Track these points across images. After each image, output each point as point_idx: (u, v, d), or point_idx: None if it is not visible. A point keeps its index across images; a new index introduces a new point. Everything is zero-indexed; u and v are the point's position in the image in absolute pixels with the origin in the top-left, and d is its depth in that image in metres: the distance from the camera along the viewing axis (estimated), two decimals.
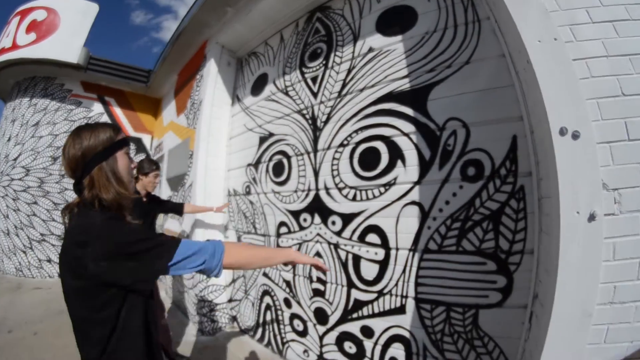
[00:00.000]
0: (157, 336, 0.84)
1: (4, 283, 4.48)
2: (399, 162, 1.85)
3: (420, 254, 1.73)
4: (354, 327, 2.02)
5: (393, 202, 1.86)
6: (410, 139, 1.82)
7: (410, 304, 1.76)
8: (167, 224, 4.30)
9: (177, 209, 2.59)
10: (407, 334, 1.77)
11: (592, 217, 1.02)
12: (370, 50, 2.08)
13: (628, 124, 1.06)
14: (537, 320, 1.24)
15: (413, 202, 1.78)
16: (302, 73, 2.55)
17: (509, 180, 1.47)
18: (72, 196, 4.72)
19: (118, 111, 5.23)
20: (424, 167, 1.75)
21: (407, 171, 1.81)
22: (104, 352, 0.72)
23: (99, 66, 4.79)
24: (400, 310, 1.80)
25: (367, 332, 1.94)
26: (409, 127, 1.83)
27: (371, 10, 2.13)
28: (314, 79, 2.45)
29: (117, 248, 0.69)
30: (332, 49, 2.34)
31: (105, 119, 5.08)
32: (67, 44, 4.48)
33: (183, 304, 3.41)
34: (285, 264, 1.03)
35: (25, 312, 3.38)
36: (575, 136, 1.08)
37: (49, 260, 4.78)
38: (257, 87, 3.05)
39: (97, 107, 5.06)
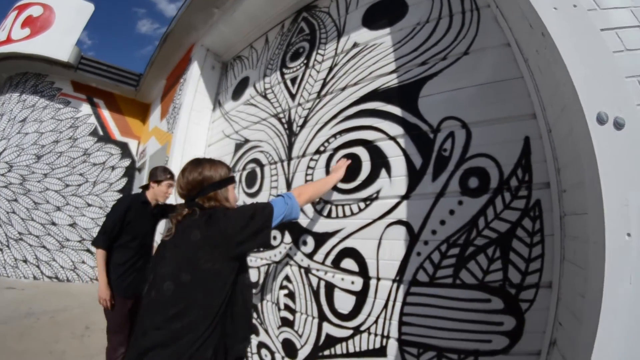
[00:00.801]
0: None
1: None
2: (383, 172, 1.50)
3: (407, 286, 1.33)
4: None
5: (374, 220, 1.49)
6: (398, 143, 1.48)
7: (393, 346, 1.33)
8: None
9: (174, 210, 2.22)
10: None
11: None
12: (355, 45, 1.82)
13: None
14: None
15: (399, 222, 1.40)
16: (282, 74, 2.28)
17: (521, 194, 1.11)
18: (52, 197, 4.43)
19: (106, 114, 5.00)
20: (414, 177, 1.39)
21: (393, 183, 1.46)
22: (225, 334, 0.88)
23: (89, 66, 4.64)
24: (380, 352, 1.37)
25: None
26: (396, 130, 1.50)
27: (358, 5, 1.90)
28: (293, 80, 2.17)
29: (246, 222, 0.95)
30: (315, 47, 2.08)
31: (92, 120, 4.85)
32: (59, 42, 4.39)
33: None
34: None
35: None
36: (619, 125, 0.74)
37: (25, 261, 4.35)
38: (238, 91, 2.78)
39: (85, 108, 4.85)
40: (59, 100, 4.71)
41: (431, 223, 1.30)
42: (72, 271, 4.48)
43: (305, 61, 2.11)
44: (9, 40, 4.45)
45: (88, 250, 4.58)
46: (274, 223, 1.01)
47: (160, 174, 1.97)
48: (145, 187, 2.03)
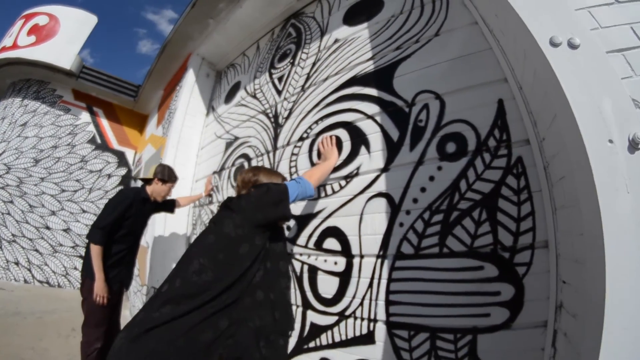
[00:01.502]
0: None
1: None
2: (362, 149, 1.39)
3: (391, 260, 1.16)
4: None
5: (355, 196, 1.35)
6: (375, 120, 1.38)
7: (381, 330, 1.14)
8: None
9: (169, 206, 2.07)
10: None
11: (634, 144, 0.57)
12: (336, 41, 1.78)
13: (636, 29, 0.67)
14: (569, 341, 0.67)
15: (379, 194, 1.27)
16: (271, 74, 2.23)
17: (501, 153, 1.00)
18: (48, 201, 4.17)
19: (105, 122, 4.82)
20: (392, 150, 1.28)
21: (372, 157, 1.34)
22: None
23: (90, 76, 4.53)
24: (368, 338, 1.16)
25: None
26: (373, 109, 1.41)
27: (340, 7, 1.89)
28: (280, 78, 2.12)
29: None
30: (300, 47, 2.06)
31: (91, 128, 4.67)
32: (62, 50, 4.28)
33: None
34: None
35: None
36: (573, 45, 0.67)
37: (17, 263, 3.96)
38: (230, 95, 2.73)
39: (85, 116, 4.67)
40: (60, 107, 4.55)
41: (412, 192, 1.17)
42: (63, 277, 4.11)
43: (291, 60, 2.07)
44: (14, 46, 4.34)
45: (81, 256, 4.24)
46: (292, 198, 1.02)
47: (167, 175, 1.85)
48: (147, 182, 1.86)
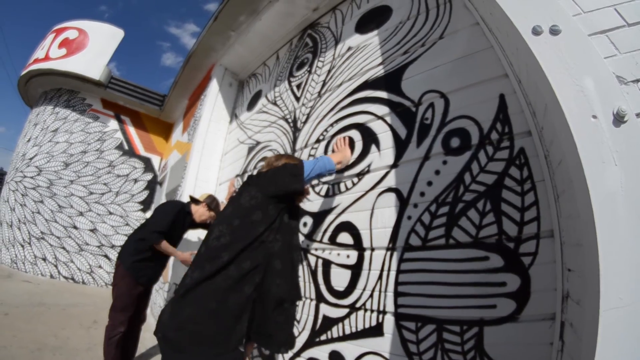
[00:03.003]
0: None
1: None
2: (373, 147, 1.51)
3: (400, 252, 1.24)
4: (321, 353, 1.42)
5: (367, 192, 1.45)
6: (385, 120, 1.50)
7: (389, 322, 1.20)
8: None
9: (205, 227, 2.33)
10: None
11: (619, 118, 0.62)
12: (349, 49, 1.95)
13: (620, 10, 0.73)
14: (575, 332, 0.71)
15: (389, 189, 1.36)
16: (290, 82, 2.43)
17: (503, 145, 1.08)
18: (76, 202, 4.58)
19: (132, 130, 5.22)
20: (400, 147, 1.39)
21: (382, 155, 1.45)
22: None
23: (118, 86, 4.92)
24: (377, 330, 1.23)
25: None
26: (383, 110, 1.53)
27: (352, 17, 2.07)
28: (298, 86, 2.31)
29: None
30: (317, 56, 2.24)
31: (118, 135, 5.10)
32: (92, 62, 4.67)
33: None
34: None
35: (5, 296, 3.09)
36: (555, 32, 0.75)
37: (44, 259, 4.32)
38: (252, 103, 2.96)
39: (113, 124, 5.08)
40: (89, 115, 4.94)
41: (419, 186, 1.26)
42: (88, 274, 4.43)
43: (308, 69, 2.26)
44: (47, 58, 4.77)
45: (106, 256, 4.56)
46: (306, 173, 1.10)
47: (214, 205, 2.16)
48: (195, 202, 2.16)
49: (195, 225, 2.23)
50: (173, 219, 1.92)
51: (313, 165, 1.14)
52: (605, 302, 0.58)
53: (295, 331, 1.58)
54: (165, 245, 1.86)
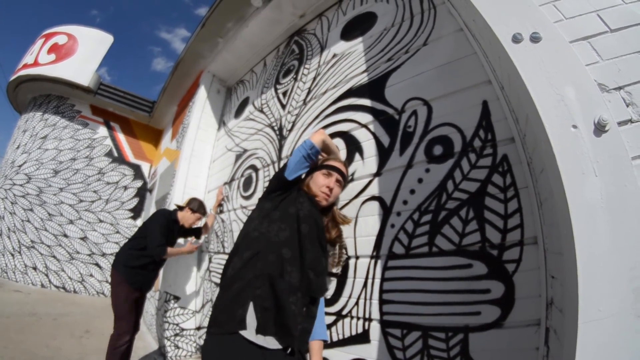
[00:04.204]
0: None
1: None
2: (357, 156, 1.47)
3: (384, 260, 1.21)
4: None
5: (350, 200, 1.42)
6: (368, 129, 1.47)
7: (375, 329, 1.17)
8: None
9: (196, 233, 2.33)
10: None
11: (600, 127, 0.59)
12: (334, 56, 1.92)
13: (602, 15, 0.70)
14: (558, 339, 0.68)
15: (372, 198, 1.33)
16: (276, 89, 2.40)
17: (486, 152, 1.05)
18: (66, 210, 4.48)
19: (121, 137, 5.13)
20: (383, 155, 1.35)
21: (366, 163, 1.42)
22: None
23: (107, 92, 4.83)
24: (363, 337, 1.19)
25: None
26: (366, 118, 1.50)
27: (338, 23, 2.05)
28: (284, 93, 2.27)
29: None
30: (303, 63, 2.21)
31: (108, 142, 5.00)
32: (81, 68, 4.58)
33: (154, 327, 2.78)
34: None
35: None
36: (535, 39, 0.72)
37: (35, 268, 4.20)
38: (240, 110, 2.92)
39: (102, 131, 4.99)
40: (78, 122, 4.85)
41: (402, 194, 1.22)
42: (79, 283, 4.31)
43: (294, 76, 2.23)
44: (36, 63, 4.64)
45: (97, 264, 4.45)
46: (292, 163, 1.19)
47: (197, 207, 2.17)
48: (180, 208, 2.18)
49: (186, 232, 2.23)
50: (166, 227, 1.98)
51: (298, 152, 1.20)
52: (584, 314, 0.57)
53: None
54: (170, 251, 1.94)
